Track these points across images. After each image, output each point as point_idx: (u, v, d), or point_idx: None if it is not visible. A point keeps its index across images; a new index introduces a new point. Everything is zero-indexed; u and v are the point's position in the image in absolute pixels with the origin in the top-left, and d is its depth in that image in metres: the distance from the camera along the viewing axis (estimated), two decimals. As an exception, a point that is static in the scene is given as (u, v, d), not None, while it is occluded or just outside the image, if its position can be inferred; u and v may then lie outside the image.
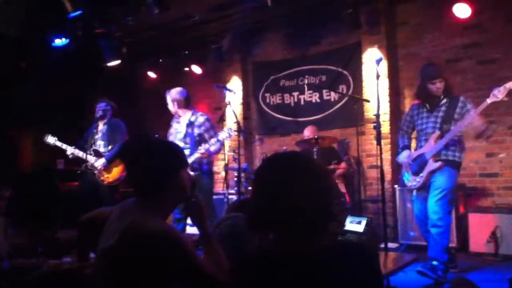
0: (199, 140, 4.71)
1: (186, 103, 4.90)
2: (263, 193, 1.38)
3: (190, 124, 4.78)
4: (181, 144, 4.72)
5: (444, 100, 4.01)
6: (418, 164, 4.05)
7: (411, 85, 5.65)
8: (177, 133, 4.87)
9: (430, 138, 3.98)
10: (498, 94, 3.60)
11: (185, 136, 4.75)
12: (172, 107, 4.88)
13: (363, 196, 6.01)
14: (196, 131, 4.74)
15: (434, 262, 3.79)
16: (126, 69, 7.13)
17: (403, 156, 4.19)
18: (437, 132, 3.94)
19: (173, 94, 4.85)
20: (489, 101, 3.66)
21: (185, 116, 4.85)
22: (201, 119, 4.81)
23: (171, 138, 4.92)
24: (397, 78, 6.11)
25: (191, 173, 4.41)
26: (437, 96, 4.02)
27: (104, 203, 5.17)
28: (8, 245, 2.66)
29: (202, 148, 4.54)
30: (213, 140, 4.56)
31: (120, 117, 5.78)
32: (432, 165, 3.93)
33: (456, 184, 4.02)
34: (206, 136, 4.73)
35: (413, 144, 4.43)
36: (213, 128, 4.84)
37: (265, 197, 1.37)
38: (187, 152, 4.54)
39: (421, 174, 4.02)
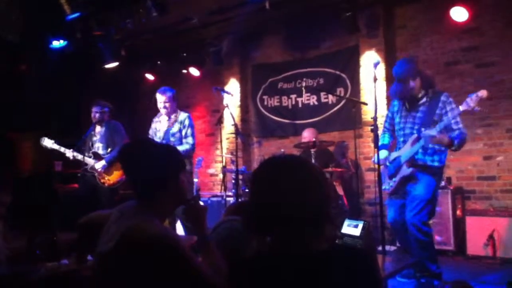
0: (178, 137, 4.90)
1: (176, 102, 5.06)
2: (260, 196, 1.39)
3: (173, 121, 4.95)
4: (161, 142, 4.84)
5: (424, 99, 3.77)
6: (394, 167, 3.86)
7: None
8: (156, 132, 5.07)
9: (408, 140, 3.78)
10: (471, 102, 3.37)
11: (165, 133, 4.93)
12: (164, 106, 4.95)
13: (361, 199, 6.01)
14: (177, 126, 4.93)
15: (427, 274, 3.75)
16: (125, 71, 7.13)
17: (381, 157, 3.91)
18: (415, 135, 3.71)
19: (168, 94, 4.95)
20: (461, 108, 3.45)
21: (171, 115, 5.00)
22: (183, 115, 5.00)
23: (153, 136, 5.10)
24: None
25: None
26: (416, 94, 3.78)
27: (103, 205, 5.17)
28: (7, 249, 2.65)
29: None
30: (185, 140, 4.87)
31: (118, 119, 5.78)
32: (404, 170, 3.74)
33: (435, 192, 3.75)
34: (183, 133, 4.92)
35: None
36: (191, 128, 4.97)
37: (262, 199, 1.38)
38: None
39: (394, 179, 3.83)
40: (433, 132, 3.48)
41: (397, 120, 3.95)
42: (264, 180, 1.40)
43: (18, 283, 2.42)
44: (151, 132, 5.17)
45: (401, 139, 3.91)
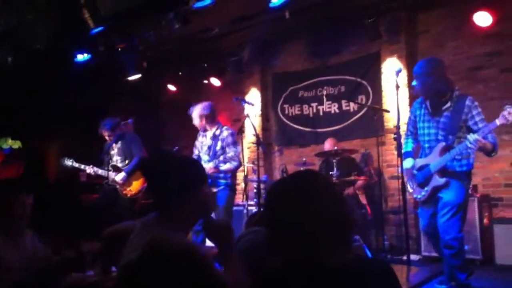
0: (221, 155, 4.75)
1: (213, 117, 4.86)
2: (275, 215, 1.39)
3: (214, 137, 4.80)
4: (205, 157, 4.79)
5: (448, 104, 3.64)
6: (424, 176, 3.78)
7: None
8: (202, 146, 4.89)
9: (435, 148, 3.68)
10: (509, 116, 3.26)
11: (209, 148, 4.79)
12: (198, 122, 4.83)
13: (384, 208, 5.92)
14: (219, 144, 4.77)
15: (453, 284, 3.68)
16: (146, 81, 7.24)
17: (407, 166, 3.90)
18: (443, 144, 3.63)
19: (199, 110, 4.81)
20: (498, 123, 3.34)
21: (211, 130, 4.85)
22: (225, 133, 4.82)
23: (195, 151, 4.97)
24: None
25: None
26: (438, 92, 3.65)
27: (123, 215, 5.24)
28: (37, 259, 2.70)
29: (212, 163, 4.66)
30: (228, 156, 4.70)
31: (140, 129, 5.87)
32: (437, 181, 3.66)
33: (467, 197, 3.71)
34: (227, 150, 4.75)
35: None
36: (234, 145, 4.79)
37: (277, 217, 1.38)
38: (210, 165, 4.65)
39: (426, 188, 3.76)
40: (478, 136, 3.37)
41: (420, 124, 3.86)
42: (281, 196, 1.41)
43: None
44: (197, 144, 5.01)
45: (426, 145, 3.81)
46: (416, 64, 3.81)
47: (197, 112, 4.82)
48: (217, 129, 4.83)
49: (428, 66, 3.65)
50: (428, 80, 3.62)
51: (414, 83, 3.82)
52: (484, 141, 3.37)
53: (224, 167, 4.66)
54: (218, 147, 4.76)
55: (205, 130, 4.88)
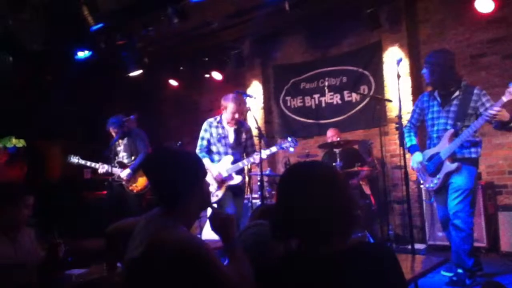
0: (244, 147, 4.69)
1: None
2: (287, 200, 1.44)
3: (238, 130, 4.65)
4: (229, 150, 4.58)
5: (457, 93, 3.76)
6: (435, 165, 3.84)
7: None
8: (221, 138, 4.61)
9: (444, 136, 3.76)
10: None
11: (234, 141, 4.61)
12: (238, 116, 4.57)
13: (388, 198, 5.93)
14: (243, 136, 4.68)
15: (460, 270, 3.72)
16: (148, 77, 7.24)
17: (416, 160, 3.96)
18: (451, 130, 3.73)
19: (243, 104, 4.62)
20: (504, 99, 3.43)
21: (234, 123, 4.65)
22: (247, 125, 4.78)
23: (203, 142, 4.63)
24: (419, 76, 6.00)
25: (238, 176, 4.48)
26: (449, 87, 3.78)
27: (131, 212, 5.27)
28: (39, 257, 2.72)
29: (246, 161, 4.54)
30: (266, 151, 4.51)
31: (142, 125, 5.88)
32: (449, 166, 3.74)
33: (477, 182, 3.83)
34: (248, 143, 4.70)
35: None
36: (253, 138, 4.76)
37: (289, 203, 1.43)
38: (231, 158, 4.51)
39: (438, 176, 3.82)
40: (496, 107, 3.45)
41: (429, 116, 3.93)
42: (290, 185, 1.46)
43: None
44: (214, 134, 4.67)
45: (435, 135, 3.88)
46: (428, 54, 3.94)
47: (241, 107, 4.59)
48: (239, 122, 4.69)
49: (438, 56, 3.79)
50: (438, 70, 3.74)
51: (424, 71, 3.92)
52: (501, 109, 3.44)
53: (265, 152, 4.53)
54: (242, 139, 4.66)
55: (221, 121, 4.65)
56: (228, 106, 4.55)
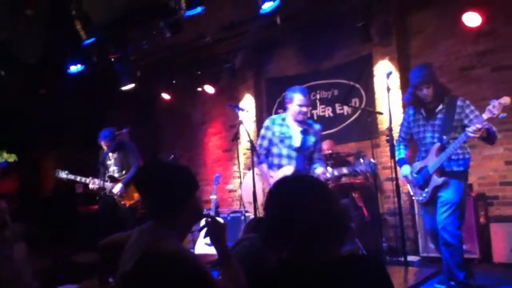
0: (311, 152, 4.08)
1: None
2: (276, 212, 1.48)
3: (305, 131, 4.07)
4: (292, 153, 4.00)
5: (440, 107, 3.76)
6: (423, 178, 3.84)
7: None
8: (285, 138, 4.04)
9: (431, 150, 3.76)
10: (494, 110, 3.32)
11: (302, 144, 4.00)
12: (307, 109, 4.11)
13: (381, 209, 5.94)
14: (311, 140, 4.08)
15: (452, 283, 3.72)
16: (141, 91, 7.25)
17: (403, 173, 3.96)
18: (438, 144, 3.72)
19: (309, 93, 4.20)
20: (485, 116, 3.39)
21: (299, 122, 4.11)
22: (317, 127, 4.20)
23: (276, 142, 4.08)
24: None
25: None
26: (430, 102, 3.77)
27: (126, 225, 5.22)
28: (32, 272, 2.69)
29: (323, 171, 3.96)
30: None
31: (136, 137, 5.87)
32: (436, 181, 3.73)
33: (465, 196, 3.80)
34: (316, 148, 4.09)
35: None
36: (321, 143, 4.27)
37: (278, 215, 1.46)
38: (291, 169, 3.89)
39: (426, 189, 3.83)
40: (478, 125, 3.41)
41: (415, 130, 3.93)
42: (287, 197, 1.49)
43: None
44: (277, 133, 4.10)
45: (423, 148, 3.89)
46: (412, 71, 3.88)
47: (309, 101, 4.20)
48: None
49: (422, 77, 3.73)
50: (422, 94, 3.73)
51: (405, 96, 3.91)
52: (481, 127, 3.40)
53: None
54: (310, 143, 4.06)
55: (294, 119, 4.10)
56: (295, 98, 4.00)
